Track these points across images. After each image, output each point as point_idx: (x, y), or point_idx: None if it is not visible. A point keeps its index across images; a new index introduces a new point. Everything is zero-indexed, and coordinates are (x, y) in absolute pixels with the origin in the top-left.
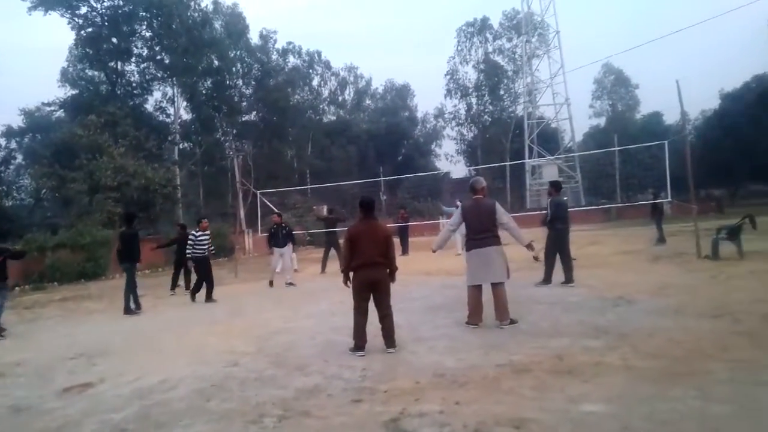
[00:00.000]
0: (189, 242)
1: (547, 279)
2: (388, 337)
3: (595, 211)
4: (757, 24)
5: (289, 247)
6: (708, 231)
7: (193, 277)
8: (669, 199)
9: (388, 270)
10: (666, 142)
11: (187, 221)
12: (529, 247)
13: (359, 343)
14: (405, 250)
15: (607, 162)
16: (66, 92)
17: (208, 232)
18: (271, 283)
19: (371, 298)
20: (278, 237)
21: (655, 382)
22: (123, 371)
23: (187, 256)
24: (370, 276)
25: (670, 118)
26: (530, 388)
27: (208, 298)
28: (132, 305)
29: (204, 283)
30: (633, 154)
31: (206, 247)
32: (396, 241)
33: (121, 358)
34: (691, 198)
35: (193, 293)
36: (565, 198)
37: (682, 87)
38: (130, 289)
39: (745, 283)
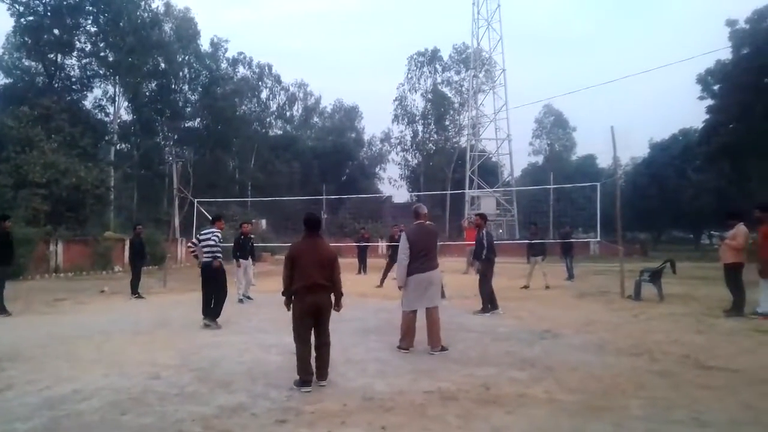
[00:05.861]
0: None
1: (485, 308)
2: (322, 368)
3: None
4: (687, 80)
5: (250, 260)
6: (632, 272)
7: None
8: (598, 238)
9: (331, 294)
10: (599, 184)
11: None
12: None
13: (305, 377)
14: (364, 270)
15: (543, 198)
16: None
17: (212, 230)
18: (241, 301)
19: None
20: (246, 248)
21: (575, 416)
22: (33, 378)
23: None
24: (314, 301)
25: (603, 161)
26: (456, 416)
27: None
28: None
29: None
30: (567, 192)
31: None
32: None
33: (33, 365)
34: (619, 239)
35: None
36: (500, 231)
37: (616, 133)
38: None
39: (663, 325)
